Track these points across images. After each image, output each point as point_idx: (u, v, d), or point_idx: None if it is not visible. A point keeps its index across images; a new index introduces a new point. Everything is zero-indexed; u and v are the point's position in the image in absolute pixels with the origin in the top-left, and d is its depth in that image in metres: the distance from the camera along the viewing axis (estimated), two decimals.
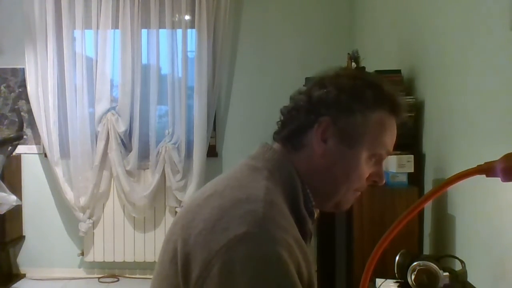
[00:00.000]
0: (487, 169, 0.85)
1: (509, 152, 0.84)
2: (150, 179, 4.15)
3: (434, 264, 1.57)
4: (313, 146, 0.96)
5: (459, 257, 1.71)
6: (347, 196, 1.00)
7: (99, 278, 4.22)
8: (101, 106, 4.12)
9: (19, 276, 4.25)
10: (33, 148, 4.30)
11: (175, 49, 4.13)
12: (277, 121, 1.03)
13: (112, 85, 4.20)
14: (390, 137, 1.00)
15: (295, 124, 0.98)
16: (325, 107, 0.95)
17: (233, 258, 0.78)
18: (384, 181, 1.02)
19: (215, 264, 0.79)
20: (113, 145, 4.10)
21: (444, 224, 2.02)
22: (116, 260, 4.18)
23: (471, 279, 1.63)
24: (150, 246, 4.17)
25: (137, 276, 4.23)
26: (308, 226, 0.95)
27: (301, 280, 0.83)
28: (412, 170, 2.09)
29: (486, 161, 0.86)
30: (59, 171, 4.16)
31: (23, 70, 4.18)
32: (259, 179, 0.92)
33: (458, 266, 1.71)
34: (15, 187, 4.02)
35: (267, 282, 0.78)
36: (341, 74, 1.01)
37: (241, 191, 0.88)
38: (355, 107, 0.95)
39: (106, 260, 4.20)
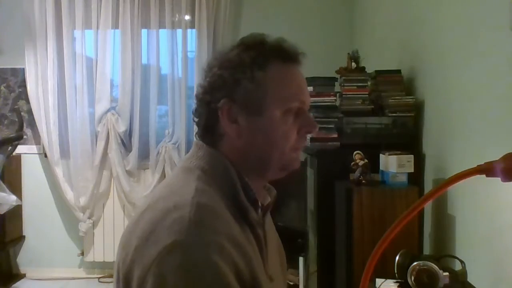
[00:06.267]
0: (487, 169, 0.84)
1: (509, 152, 0.84)
2: (150, 179, 4.15)
3: (434, 264, 1.57)
4: (227, 131, 0.94)
5: (459, 257, 1.71)
6: (286, 158, 0.95)
7: (99, 278, 4.21)
8: (101, 106, 4.12)
9: (19, 276, 4.24)
10: (33, 148, 4.29)
11: (175, 49, 4.13)
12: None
13: (112, 85, 4.20)
14: (295, 86, 0.96)
15: (203, 119, 0.97)
16: (217, 91, 0.93)
17: (164, 271, 0.78)
18: (316, 127, 0.99)
19: (148, 279, 0.78)
20: (113, 145, 4.10)
21: (444, 224, 2.02)
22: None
23: (471, 279, 1.63)
24: None
25: None
26: (252, 216, 0.92)
27: (241, 279, 0.82)
28: (412, 170, 2.09)
29: (486, 161, 0.86)
30: (59, 171, 4.16)
31: (23, 70, 4.18)
32: (191, 180, 0.90)
33: (458, 266, 1.71)
34: (15, 187, 4.01)
35: None
36: (222, 51, 0.98)
37: (170, 199, 0.86)
38: (240, 76, 0.92)
39: (106, 260, 4.20)
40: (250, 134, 0.93)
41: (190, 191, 0.87)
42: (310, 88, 2.51)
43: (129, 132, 4.16)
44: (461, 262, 1.67)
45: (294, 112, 0.94)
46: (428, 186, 2.19)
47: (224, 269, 0.79)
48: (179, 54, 4.12)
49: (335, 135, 2.41)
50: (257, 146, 0.94)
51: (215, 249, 0.79)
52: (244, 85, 0.92)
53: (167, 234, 0.80)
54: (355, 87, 2.48)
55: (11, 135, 4.00)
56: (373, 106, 2.46)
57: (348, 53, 2.68)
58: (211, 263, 0.78)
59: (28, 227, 4.31)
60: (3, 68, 4.25)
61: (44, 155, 4.22)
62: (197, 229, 0.80)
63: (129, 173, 4.15)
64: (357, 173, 2.13)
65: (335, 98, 2.49)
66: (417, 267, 1.57)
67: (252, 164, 0.95)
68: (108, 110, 4.13)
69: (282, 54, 0.95)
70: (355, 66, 2.61)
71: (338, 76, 2.60)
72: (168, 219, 0.82)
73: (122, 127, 4.11)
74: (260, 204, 0.97)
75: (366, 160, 2.14)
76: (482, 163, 0.85)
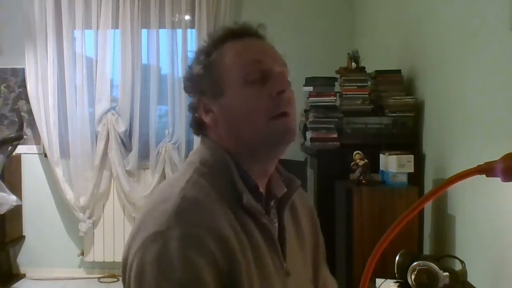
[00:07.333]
0: (487, 169, 0.84)
1: (509, 152, 0.84)
2: (150, 179, 4.15)
3: (434, 264, 1.57)
4: (207, 123, 0.96)
5: (459, 257, 1.71)
6: (266, 129, 0.91)
7: (99, 278, 4.21)
8: (101, 106, 4.12)
9: (19, 276, 4.24)
10: (33, 148, 4.29)
11: (175, 49, 4.13)
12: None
13: (112, 85, 4.20)
14: (250, 54, 0.94)
15: (191, 120, 1.01)
16: (192, 92, 0.99)
17: (144, 259, 0.82)
18: (285, 84, 0.94)
19: (133, 266, 0.83)
20: (113, 145, 4.10)
21: (444, 224, 2.02)
22: (116, 260, 4.17)
23: (471, 279, 1.63)
24: None
25: None
26: (248, 202, 0.90)
27: (219, 271, 0.81)
28: (412, 170, 2.09)
29: (486, 161, 0.86)
30: (59, 171, 4.16)
31: (23, 70, 4.17)
32: (187, 173, 0.92)
33: (458, 266, 1.71)
34: (15, 187, 4.01)
35: (171, 281, 0.79)
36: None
37: (163, 192, 0.91)
38: (198, 66, 0.96)
39: (106, 260, 4.19)
40: (223, 117, 0.94)
41: (182, 184, 0.89)
42: (310, 88, 2.51)
43: (129, 132, 4.16)
44: (461, 262, 1.67)
45: (257, 80, 0.92)
46: (428, 186, 2.19)
47: (197, 263, 0.80)
48: (179, 54, 4.12)
49: (335, 135, 2.41)
50: (233, 126, 0.94)
51: (191, 241, 0.81)
52: (205, 73, 0.95)
53: (152, 225, 0.84)
54: (355, 87, 2.48)
55: (11, 135, 4.00)
56: (373, 106, 2.46)
57: (348, 53, 2.68)
58: (184, 256, 0.80)
59: (28, 227, 4.31)
60: (3, 68, 4.25)
61: (44, 155, 4.22)
62: (176, 221, 0.83)
63: (129, 173, 4.14)
64: (357, 173, 2.13)
65: (335, 98, 2.49)
66: (417, 267, 1.57)
67: (239, 147, 0.94)
68: (108, 110, 4.12)
69: (233, 33, 0.98)
70: (355, 66, 2.61)
71: (338, 76, 2.60)
72: (156, 211, 0.86)
73: (122, 127, 4.11)
74: (269, 194, 0.98)
75: (366, 160, 2.14)
76: (482, 163, 0.85)
